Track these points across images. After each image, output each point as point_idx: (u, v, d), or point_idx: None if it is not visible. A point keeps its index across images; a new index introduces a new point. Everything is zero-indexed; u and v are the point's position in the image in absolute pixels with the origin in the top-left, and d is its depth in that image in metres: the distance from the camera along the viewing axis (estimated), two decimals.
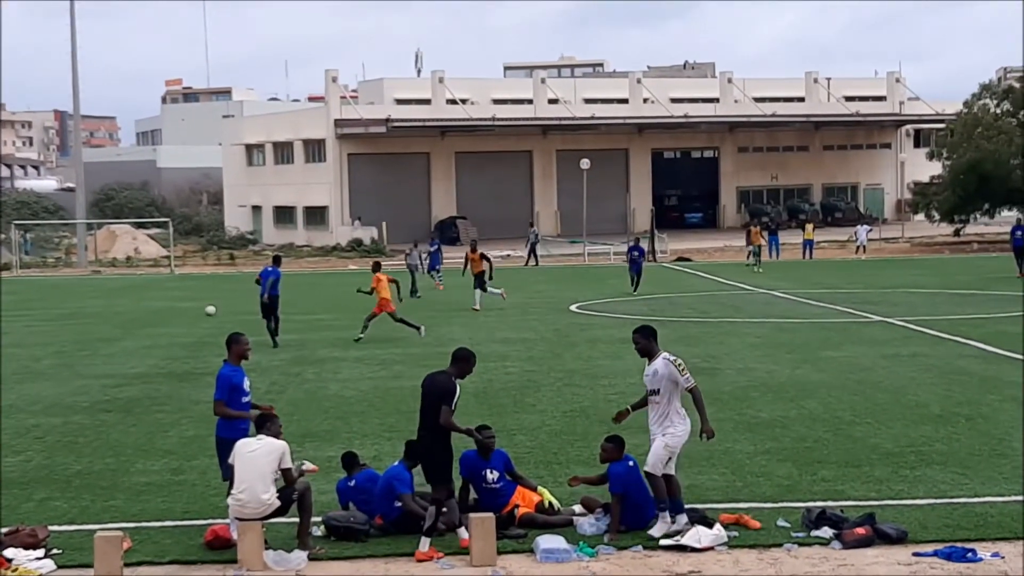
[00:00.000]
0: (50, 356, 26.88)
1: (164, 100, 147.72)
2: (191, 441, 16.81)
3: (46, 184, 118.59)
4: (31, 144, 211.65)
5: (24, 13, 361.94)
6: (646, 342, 12.23)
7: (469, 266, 36.37)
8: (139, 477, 14.80)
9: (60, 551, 11.59)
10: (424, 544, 11.44)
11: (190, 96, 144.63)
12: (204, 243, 77.58)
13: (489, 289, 35.36)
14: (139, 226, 78.65)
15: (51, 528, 12.13)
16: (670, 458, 11.98)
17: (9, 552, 11.29)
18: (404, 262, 43.90)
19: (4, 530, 11.98)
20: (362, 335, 27.92)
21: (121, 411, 19.49)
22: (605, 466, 12.48)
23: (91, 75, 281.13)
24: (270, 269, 28.26)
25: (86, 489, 14.20)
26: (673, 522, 11.86)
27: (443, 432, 11.80)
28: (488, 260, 36.23)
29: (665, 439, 11.92)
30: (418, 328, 28.28)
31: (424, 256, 45.26)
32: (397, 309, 28.74)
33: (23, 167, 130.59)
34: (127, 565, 11.00)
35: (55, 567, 11.21)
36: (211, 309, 33.57)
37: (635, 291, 39.55)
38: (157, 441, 17.01)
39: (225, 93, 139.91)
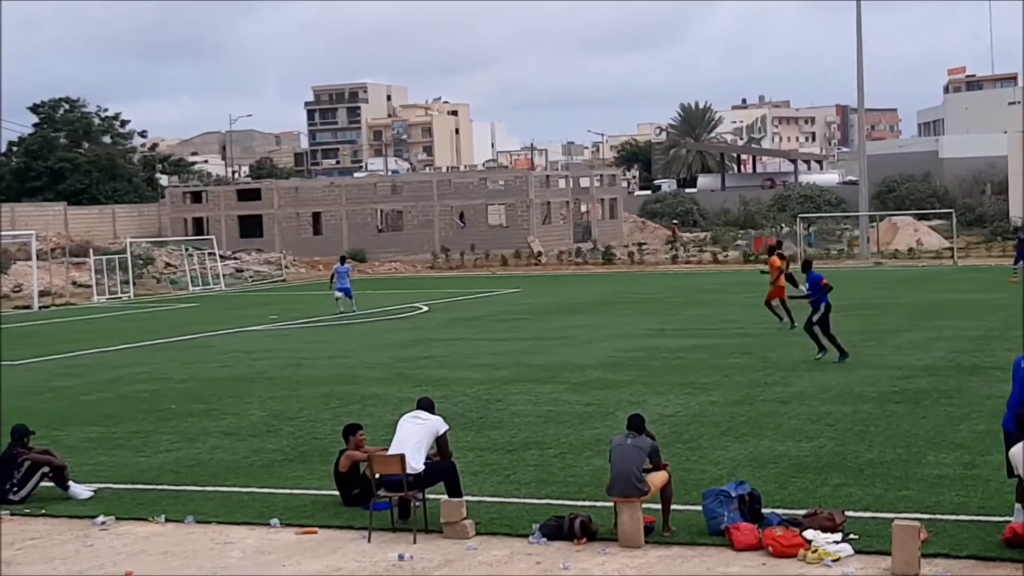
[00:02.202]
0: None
1: (947, 89, 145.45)
2: (983, 436, 16.32)
3: (828, 178, 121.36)
4: (813, 139, 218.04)
5: (809, 11, 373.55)
6: None
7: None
8: (931, 469, 14.63)
9: (856, 536, 11.75)
10: None
11: (973, 84, 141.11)
12: (987, 235, 75.21)
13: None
14: (920, 218, 78.05)
15: (847, 513, 12.34)
16: None
17: (809, 533, 11.64)
18: None
19: (803, 512, 12.38)
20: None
21: (910, 402, 19.41)
22: None
23: (873, 68, 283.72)
24: None
25: (879, 478, 14.29)
26: None
27: None
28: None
29: None
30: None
31: None
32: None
33: (807, 162, 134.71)
34: (924, 556, 10.90)
35: (852, 551, 11.38)
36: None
37: None
38: (948, 434, 16.72)
39: (1010, 79, 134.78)
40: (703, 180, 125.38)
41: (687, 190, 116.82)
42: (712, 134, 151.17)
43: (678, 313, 37.32)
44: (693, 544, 11.99)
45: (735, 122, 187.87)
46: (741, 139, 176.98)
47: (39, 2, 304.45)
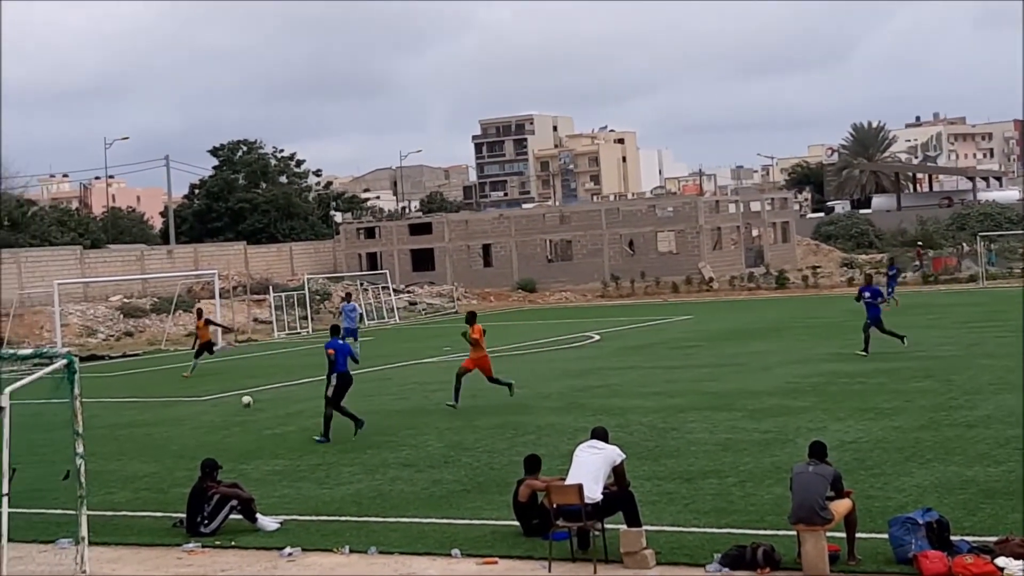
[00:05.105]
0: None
1: None
2: None
3: (1008, 195, 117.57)
4: (991, 156, 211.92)
5: (982, 23, 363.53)
6: None
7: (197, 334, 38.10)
8: None
9: None
10: None
11: None
12: None
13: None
14: None
15: None
16: None
17: (1001, 561, 11.29)
18: None
19: (994, 539, 12.00)
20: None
21: None
22: None
23: None
24: None
25: None
26: None
27: None
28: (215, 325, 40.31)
29: None
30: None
31: None
32: None
33: (985, 179, 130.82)
34: None
35: None
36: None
37: None
38: None
39: None
40: (878, 200, 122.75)
41: (861, 211, 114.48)
42: (886, 153, 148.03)
43: (856, 337, 36.47)
44: (880, 573, 11.73)
45: (909, 140, 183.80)
46: (916, 158, 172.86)
47: (213, 49, 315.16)
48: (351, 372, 23.09)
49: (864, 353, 30.78)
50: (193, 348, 38.71)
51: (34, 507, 16.52)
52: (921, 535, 11.90)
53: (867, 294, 31.83)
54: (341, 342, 23.49)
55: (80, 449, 13.80)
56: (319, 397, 29.18)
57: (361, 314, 41.68)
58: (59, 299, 51.93)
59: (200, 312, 39.94)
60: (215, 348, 39.58)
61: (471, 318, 26.25)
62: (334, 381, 22.55)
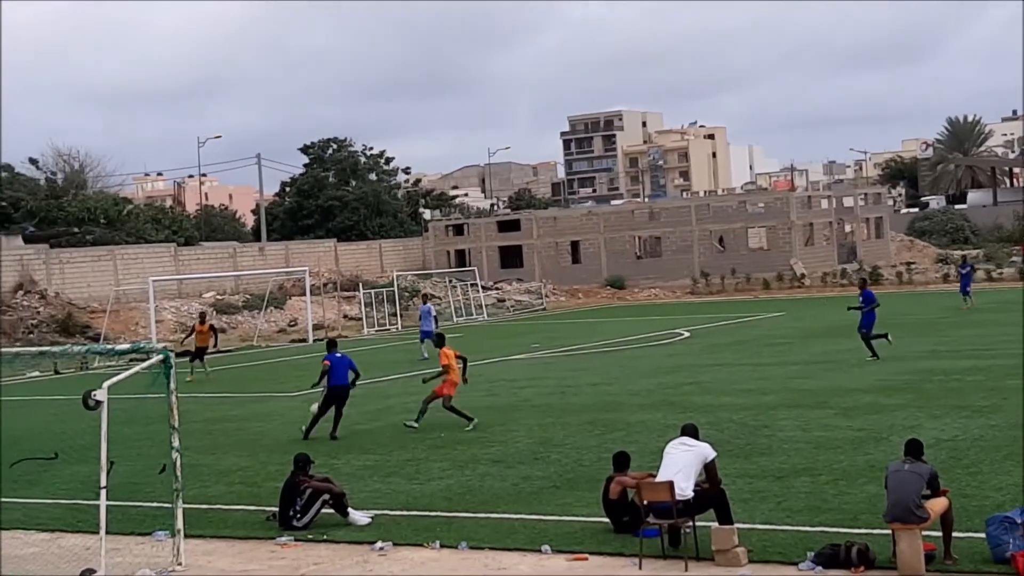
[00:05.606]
0: None
1: None
2: None
3: None
4: None
5: None
6: None
7: (194, 337, 37.21)
8: None
9: None
10: None
11: None
12: None
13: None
14: None
15: None
16: None
17: None
18: None
19: None
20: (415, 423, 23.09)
21: None
22: None
23: None
24: None
25: None
26: None
27: None
28: (215, 333, 38.50)
29: None
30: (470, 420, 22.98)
31: None
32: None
33: None
34: None
35: None
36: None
37: None
38: None
39: None
40: (973, 196, 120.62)
41: (956, 206, 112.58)
42: (982, 148, 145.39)
43: (951, 333, 36.01)
44: (977, 572, 11.53)
45: (1006, 134, 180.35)
46: (1013, 152, 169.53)
47: (304, 49, 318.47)
48: (349, 384, 23.36)
49: (877, 355, 30.39)
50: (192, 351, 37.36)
51: (131, 500, 16.83)
52: (1019, 534, 11.67)
53: (861, 300, 31.52)
54: (339, 355, 23.45)
55: (176, 443, 14.03)
56: (407, 393, 29.48)
57: (435, 317, 41.51)
58: (154, 295, 52.79)
59: (204, 316, 40.11)
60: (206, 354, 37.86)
61: (440, 340, 24.38)
62: (325, 391, 23.15)
